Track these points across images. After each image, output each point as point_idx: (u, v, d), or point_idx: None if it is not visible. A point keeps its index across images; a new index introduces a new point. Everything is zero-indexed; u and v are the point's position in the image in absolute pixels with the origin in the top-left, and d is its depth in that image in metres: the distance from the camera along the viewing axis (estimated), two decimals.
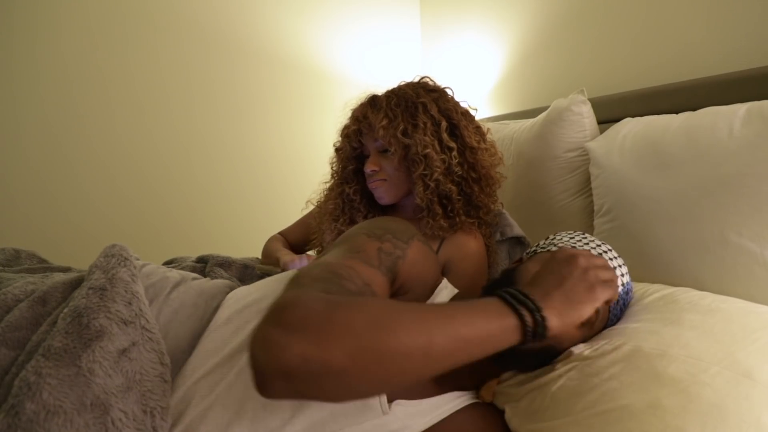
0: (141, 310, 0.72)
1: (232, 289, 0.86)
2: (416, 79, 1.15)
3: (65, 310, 0.69)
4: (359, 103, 1.15)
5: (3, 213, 1.90)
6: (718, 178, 0.85)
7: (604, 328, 0.78)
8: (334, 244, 0.73)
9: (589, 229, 1.19)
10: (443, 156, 1.05)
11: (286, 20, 2.24)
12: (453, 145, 1.06)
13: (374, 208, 1.19)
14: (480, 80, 2.07)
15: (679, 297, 0.79)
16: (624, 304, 0.80)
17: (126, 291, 0.72)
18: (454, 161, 1.05)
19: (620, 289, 0.77)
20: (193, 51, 2.12)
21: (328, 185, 1.27)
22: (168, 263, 1.27)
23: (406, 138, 1.04)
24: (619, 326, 0.77)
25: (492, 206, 1.14)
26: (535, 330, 0.57)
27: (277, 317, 0.49)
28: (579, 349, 0.72)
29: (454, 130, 1.08)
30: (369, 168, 1.10)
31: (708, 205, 0.86)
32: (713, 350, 0.63)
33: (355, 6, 2.36)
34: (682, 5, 1.22)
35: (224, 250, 1.34)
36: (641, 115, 1.12)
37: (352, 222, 1.18)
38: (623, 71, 1.40)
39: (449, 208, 1.07)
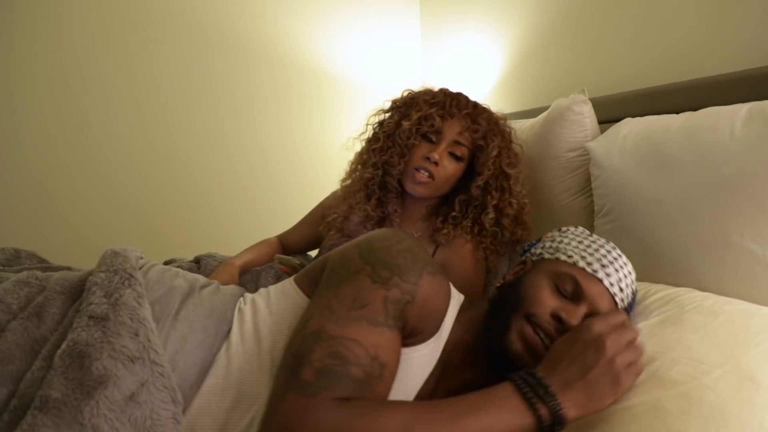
0: (149, 340, 0.64)
1: (239, 297, 0.80)
2: (501, 115, 1.19)
3: (63, 347, 0.60)
4: (454, 92, 1.16)
5: (3, 213, 1.89)
6: (719, 179, 0.84)
7: None
8: (332, 272, 0.68)
9: (589, 229, 1.19)
10: (523, 200, 1.12)
11: (286, 20, 2.24)
12: (525, 192, 1.14)
13: (402, 195, 1.18)
14: (480, 80, 2.07)
15: (682, 298, 0.78)
16: (631, 307, 0.80)
17: (132, 319, 0.64)
18: (526, 208, 1.13)
19: (621, 304, 0.76)
20: (193, 51, 2.11)
21: (373, 146, 1.16)
22: (167, 263, 1.27)
23: (509, 169, 1.09)
24: None
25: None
26: (551, 427, 0.57)
27: None
28: None
29: (522, 180, 1.14)
30: (435, 157, 1.06)
31: (709, 205, 0.85)
32: (715, 353, 0.63)
33: (355, 6, 2.36)
34: (683, 5, 1.21)
35: (224, 251, 1.34)
36: (642, 115, 1.12)
37: (380, 205, 1.16)
38: (624, 71, 1.39)
39: (485, 233, 1.11)
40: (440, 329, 0.75)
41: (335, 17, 2.33)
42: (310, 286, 0.74)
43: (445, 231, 1.09)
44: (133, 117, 2.06)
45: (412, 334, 0.68)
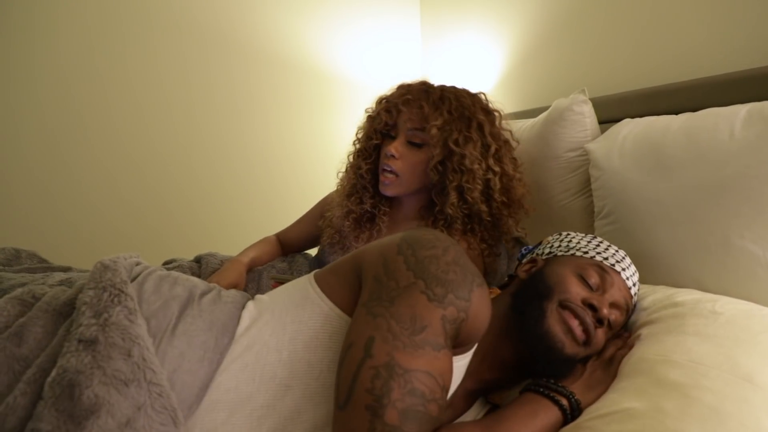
0: (144, 359, 0.60)
1: (243, 306, 0.75)
2: (473, 91, 1.15)
3: (53, 374, 0.57)
4: (412, 82, 1.14)
5: (3, 213, 1.89)
6: (719, 180, 0.84)
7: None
8: (379, 284, 0.64)
9: (589, 230, 1.19)
10: (488, 177, 1.06)
11: (286, 20, 2.24)
12: (498, 169, 1.08)
13: (381, 193, 1.17)
14: (480, 80, 2.07)
15: (683, 300, 0.79)
16: (635, 306, 0.84)
17: (124, 339, 0.60)
18: (496, 186, 1.07)
19: (635, 298, 0.82)
20: (193, 51, 2.11)
21: (349, 150, 1.24)
22: (167, 263, 1.27)
23: (457, 147, 1.05)
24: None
25: (513, 232, 1.15)
26: (572, 411, 0.68)
27: None
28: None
29: (498, 156, 1.09)
30: (390, 151, 1.08)
31: (709, 207, 0.85)
32: (714, 354, 0.64)
33: (355, 6, 2.36)
34: (683, 5, 1.21)
35: (224, 250, 1.34)
36: (642, 115, 1.12)
37: (361, 202, 1.16)
38: (624, 71, 1.39)
39: (470, 226, 1.08)
40: None
41: (335, 17, 2.32)
42: (342, 290, 0.70)
43: (438, 228, 1.08)
44: (133, 117, 2.06)
45: (458, 346, 0.67)
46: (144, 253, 1.07)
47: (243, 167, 2.27)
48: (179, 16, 2.07)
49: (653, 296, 0.84)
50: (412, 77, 1.18)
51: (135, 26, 2.01)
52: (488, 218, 1.08)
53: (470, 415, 0.77)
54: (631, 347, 0.75)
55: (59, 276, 0.92)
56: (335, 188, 1.28)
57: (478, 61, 2.09)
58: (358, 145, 1.19)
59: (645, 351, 0.70)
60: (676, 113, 1.02)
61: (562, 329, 0.71)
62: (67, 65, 1.93)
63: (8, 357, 0.59)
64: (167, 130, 2.12)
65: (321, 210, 1.34)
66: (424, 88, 1.11)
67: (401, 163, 1.08)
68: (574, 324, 0.71)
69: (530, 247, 0.95)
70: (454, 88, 1.13)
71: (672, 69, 1.23)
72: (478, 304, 0.65)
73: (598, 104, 1.27)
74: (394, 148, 1.08)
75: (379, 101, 1.15)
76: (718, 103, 0.96)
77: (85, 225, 2.01)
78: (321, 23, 2.30)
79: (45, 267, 1.01)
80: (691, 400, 0.58)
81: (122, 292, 0.65)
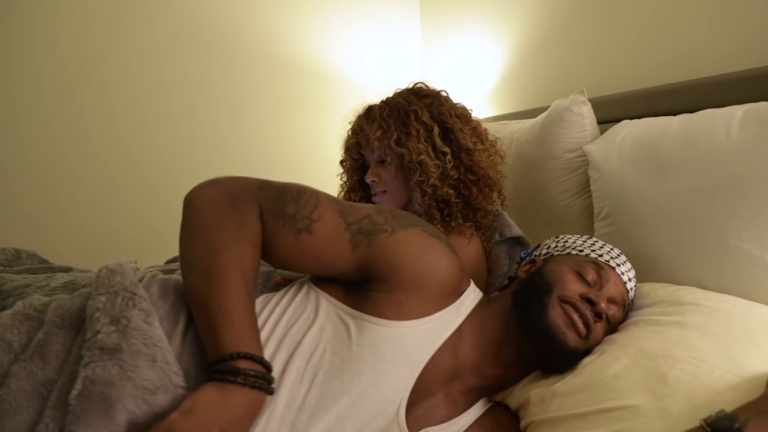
0: (168, 363, 0.60)
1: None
2: (410, 86, 1.16)
3: (79, 387, 0.55)
4: (356, 115, 1.17)
5: (3, 213, 1.89)
6: (716, 181, 0.85)
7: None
8: None
9: (588, 231, 1.19)
10: (437, 161, 1.06)
11: (286, 20, 2.24)
12: (447, 149, 1.07)
13: None
14: (480, 80, 2.07)
15: (683, 297, 0.79)
16: (631, 304, 0.84)
17: (146, 345, 0.60)
18: (449, 165, 1.06)
19: (631, 293, 0.83)
20: (194, 51, 2.12)
21: (340, 190, 1.28)
22: (171, 262, 1.28)
23: (400, 147, 1.06)
24: (626, 324, 0.79)
25: (489, 207, 1.14)
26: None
27: (217, 181, 0.85)
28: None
29: (447, 134, 1.08)
30: (369, 179, 1.14)
31: (707, 208, 0.86)
32: (717, 353, 0.64)
33: (355, 6, 2.36)
34: (683, 5, 1.22)
35: None
36: (641, 116, 1.12)
37: None
38: (623, 71, 1.40)
39: (446, 212, 1.08)
40: (458, 309, 0.77)
41: (335, 17, 2.32)
42: (333, 283, 0.77)
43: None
44: (134, 117, 2.06)
45: (382, 270, 0.72)
46: (145, 252, 1.07)
47: (243, 167, 2.27)
48: (180, 17, 2.07)
49: (654, 292, 0.85)
50: (411, 77, 1.19)
51: (136, 26, 2.01)
52: (457, 200, 1.07)
53: (471, 414, 0.77)
54: None
55: (62, 278, 0.93)
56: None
57: (478, 62, 2.09)
58: (345, 188, 1.25)
59: (646, 340, 0.70)
60: (676, 113, 1.02)
61: (564, 322, 0.73)
62: (68, 65, 1.93)
63: (36, 382, 0.58)
64: (168, 129, 2.12)
65: None
66: (365, 112, 1.15)
67: (383, 181, 1.13)
68: (576, 317, 0.73)
69: (529, 250, 0.97)
70: (392, 95, 1.15)
71: (671, 69, 1.23)
72: (412, 237, 0.75)
73: (598, 104, 1.27)
74: (370, 175, 1.13)
75: (342, 146, 1.22)
76: (717, 103, 0.96)
77: (86, 225, 2.01)
78: (321, 23, 2.30)
79: (46, 267, 1.02)
80: (695, 399, 0.58)
81: (135, 294, 0.65)
